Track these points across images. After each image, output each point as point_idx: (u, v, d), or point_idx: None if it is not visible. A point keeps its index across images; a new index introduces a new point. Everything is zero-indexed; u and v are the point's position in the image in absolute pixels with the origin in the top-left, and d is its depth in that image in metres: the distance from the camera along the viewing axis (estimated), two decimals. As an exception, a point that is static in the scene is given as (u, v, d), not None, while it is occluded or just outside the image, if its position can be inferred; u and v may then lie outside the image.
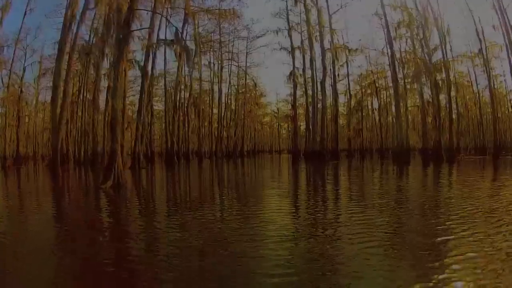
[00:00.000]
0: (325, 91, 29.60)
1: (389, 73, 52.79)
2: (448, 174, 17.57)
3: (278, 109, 79.07)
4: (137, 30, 20.62)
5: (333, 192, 11.75)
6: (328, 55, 34.29)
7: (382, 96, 54.86)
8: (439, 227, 5.70)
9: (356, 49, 32.96)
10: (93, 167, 27.60)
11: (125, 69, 21.14)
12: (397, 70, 33.87)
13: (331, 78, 39.17)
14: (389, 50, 33.44)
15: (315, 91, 35.56)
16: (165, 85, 39.31)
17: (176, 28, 22.97)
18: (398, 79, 33.90)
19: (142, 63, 30.64)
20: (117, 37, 16.07)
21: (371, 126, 55.86)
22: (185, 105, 38.87)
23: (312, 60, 35.65)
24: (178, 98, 35.85)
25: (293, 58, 38.82)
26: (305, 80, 43.68)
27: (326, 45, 31.84)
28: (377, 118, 52.97)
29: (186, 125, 39.42)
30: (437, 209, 7.61)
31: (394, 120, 54.79)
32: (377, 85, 50.16)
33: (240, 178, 17.64)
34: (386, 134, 56.24)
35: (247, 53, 50.29)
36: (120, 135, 14.98)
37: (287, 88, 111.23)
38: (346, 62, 46.41)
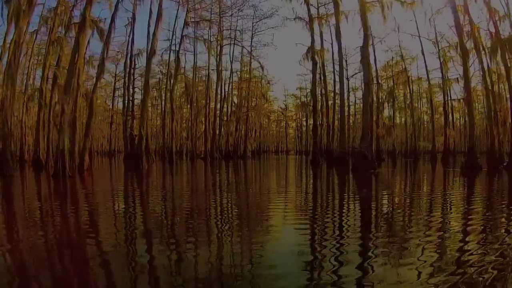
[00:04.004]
0: (368, 63, 17.56)
1: (416, 64, 40.54)
2: None
3: (286, 105, 67.09)
4: None
5: None
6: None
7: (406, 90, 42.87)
8: None
9: (413, 1, 20.80)
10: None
11: None
12: (464, 39, 21.72)
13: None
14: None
15: (344, 72, 23.66)
16: (147, 64, 27.47)
17: None
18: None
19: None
20: None
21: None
22: (168, 89, 26.93)
23: (338, 29, 23.79)
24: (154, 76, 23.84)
25: (312, 30, 26.90)
26: (323, 64, 31.78)
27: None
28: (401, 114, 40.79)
29: (171, 117, 27.49)
30: None
31: (431, 114, 42.71)
32: (408, 74, 38.05)
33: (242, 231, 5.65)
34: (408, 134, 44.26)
35: (252, 34, 38.41)
36: None
37: (297, 80, 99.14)
38: (372, 44, 34.48)
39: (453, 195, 8.83)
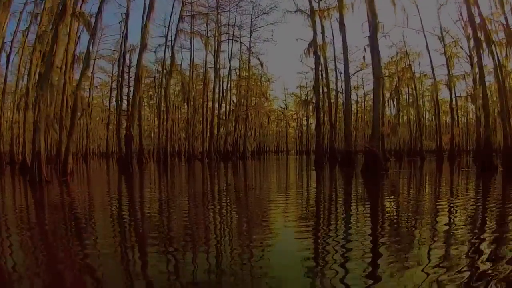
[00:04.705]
0: (377, 54, 15.88)
1: (419, 61, 38.41)
2: None
3: (286, 105, 65.43)
4: None
5: None
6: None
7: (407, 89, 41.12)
8: None
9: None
10: None
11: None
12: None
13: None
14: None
15: (348, 66, 22.03)
16: (139, 58, 25.77)
17: None
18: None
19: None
20: None
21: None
22: (163, 87, 25.20)
23: (341, 20, 22.30)
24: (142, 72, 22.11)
25: (314, 23, 25.19)
26: (325, 59, 30.17)
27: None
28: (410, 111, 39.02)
29: (165, 115, 25.76)
30: None
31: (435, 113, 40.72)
32: (413, 71, 36.32)
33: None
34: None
35: (251, 30, 36.72)
36: None
37: (297, 79, 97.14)
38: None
39: (490, 205, 7.14)
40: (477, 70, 35.97)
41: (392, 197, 8.62)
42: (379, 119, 15.01)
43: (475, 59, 32.45)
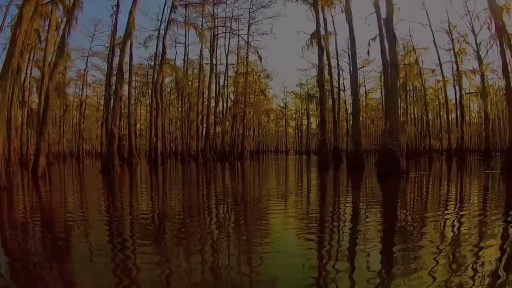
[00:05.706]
0: (394, 39, 13.80)
1: (425, 57, 36.16)
2: None
3: (285, 104, 63.31)
4: None
5: None
6: None
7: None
8: None
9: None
10: None
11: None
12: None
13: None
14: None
15: (355, 58, 19.96)
16: (122, 47, 23.53)
17: None
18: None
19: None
20: None
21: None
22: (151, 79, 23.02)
23: (348, 7, 20.36)
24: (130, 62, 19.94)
25: (317, 12, 23.16)
26: (328, 52, 28.09)
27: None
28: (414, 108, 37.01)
29: (156, 112, 23.57)
30: None
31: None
32: (420, 66, 34.28)
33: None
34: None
35: (249, 24, 34.58)
36: None
37: (297, 78, 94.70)
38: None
39: None
40: (485, 66, 34.15)
41: (438, 214, 6.50)
42: (398, 113, 12.93)
43: (484, 53, 30.55)
